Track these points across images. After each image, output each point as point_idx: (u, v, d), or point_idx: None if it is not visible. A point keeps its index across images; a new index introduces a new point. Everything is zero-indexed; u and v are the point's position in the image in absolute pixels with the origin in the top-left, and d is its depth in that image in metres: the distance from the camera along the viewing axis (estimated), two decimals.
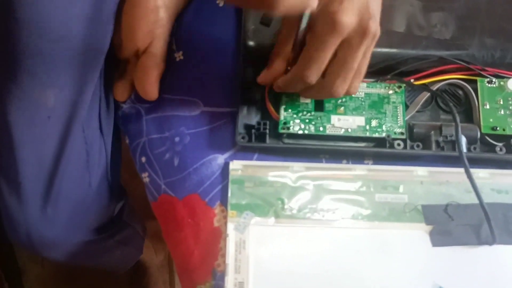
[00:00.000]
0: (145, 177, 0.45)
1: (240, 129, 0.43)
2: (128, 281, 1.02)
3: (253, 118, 0.44)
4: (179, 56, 0.47)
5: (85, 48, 0.40)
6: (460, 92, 0.46)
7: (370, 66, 0.38)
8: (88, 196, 0.50)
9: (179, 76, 0.46)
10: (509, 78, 0.45)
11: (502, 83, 0.45)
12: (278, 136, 0.44)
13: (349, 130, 0.43)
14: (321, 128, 0.43)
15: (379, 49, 0.42)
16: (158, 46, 0.44)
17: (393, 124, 0.43)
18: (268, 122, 0.43)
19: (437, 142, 0.44)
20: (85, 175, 0.49)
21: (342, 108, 0.44)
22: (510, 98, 0.45)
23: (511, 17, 0.45)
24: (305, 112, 0.43)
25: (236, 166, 0.44)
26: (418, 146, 0.44)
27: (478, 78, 0.45)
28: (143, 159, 0.46)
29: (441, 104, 0.46)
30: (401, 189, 0.44)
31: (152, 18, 0.43)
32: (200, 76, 0.46)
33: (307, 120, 0.43)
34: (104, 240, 0.60)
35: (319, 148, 0.44)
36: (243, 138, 0.43)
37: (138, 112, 0.47)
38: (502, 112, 0.44)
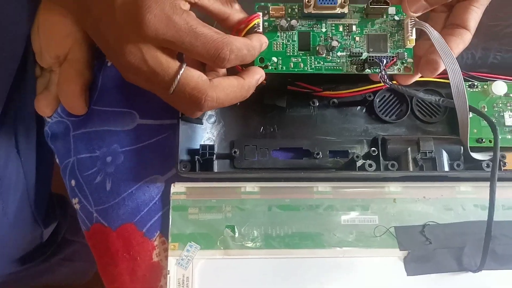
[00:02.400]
0: (75, 203, 0.39)
1: (182, 155, 0.36)
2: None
3: (198, 136, 0.38)
4: None
5: None
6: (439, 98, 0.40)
7: None
8: (1, 227, 0.44)
9: (112, 84, 0.40)
10: (493, 81, 0.39)
11: (485, 87, 0.39)
12: (228, 156, 0.37)
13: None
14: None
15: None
16: (80, 51, 0.37)
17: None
18: (214, 145, 0.37)
19: (415, 160, 0.37)
20: None
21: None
22: (495, 104, 0.39)
23: (491, 11, 0.38)
24: None
25: (179, 189, 0.37)
26: (393, 165, 0.38)
27: None
28: (73, 182, 0.39)
29: (417, 113, 0.39)
30: (370, 209, 0.38)
31: (70, 19, 0.36)
32: None
33: None
34: (36, 265, 0.54)
35: (276, 177, 0.38)
36: (184, 167, 0.36)
37: (66, 127, 0.40)
38: None
